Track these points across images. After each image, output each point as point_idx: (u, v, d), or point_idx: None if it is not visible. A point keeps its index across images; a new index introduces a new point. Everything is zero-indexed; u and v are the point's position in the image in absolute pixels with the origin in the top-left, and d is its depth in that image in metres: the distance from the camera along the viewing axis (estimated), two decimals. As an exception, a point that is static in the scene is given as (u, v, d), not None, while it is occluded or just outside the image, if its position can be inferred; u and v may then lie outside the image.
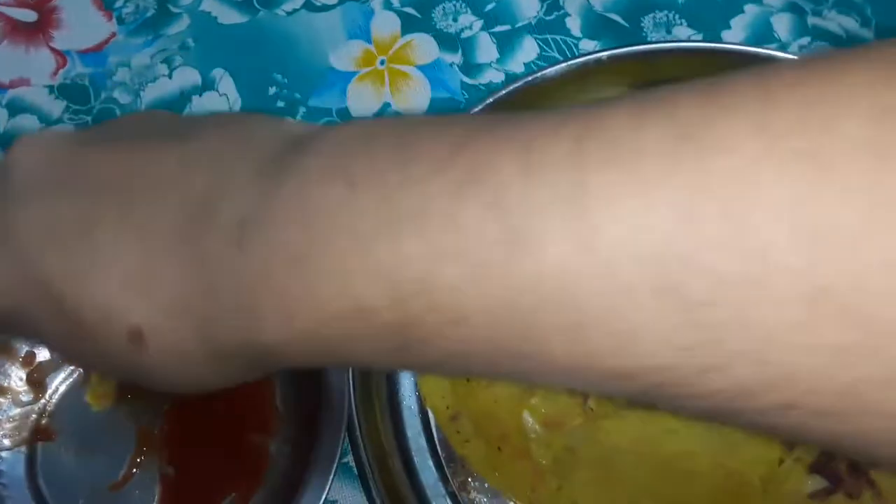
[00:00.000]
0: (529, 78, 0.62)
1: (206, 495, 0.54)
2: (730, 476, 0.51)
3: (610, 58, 0.62)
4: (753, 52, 0.62)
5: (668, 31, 0.68)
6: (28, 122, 0.68)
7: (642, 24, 0.69)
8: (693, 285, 0.20)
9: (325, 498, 0.48)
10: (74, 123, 0.67)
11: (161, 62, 0.69)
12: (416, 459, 0.54)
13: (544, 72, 0.62)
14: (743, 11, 0.69)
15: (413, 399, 0.56)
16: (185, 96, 0.67)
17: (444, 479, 0.54)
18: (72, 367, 0.57)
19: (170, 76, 0.68)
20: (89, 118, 0.67)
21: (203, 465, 0.55)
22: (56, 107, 0.68)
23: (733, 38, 0.68)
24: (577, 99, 0.63)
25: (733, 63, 0.62)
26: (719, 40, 0.67)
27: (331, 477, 0.48)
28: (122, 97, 0.68)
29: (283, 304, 0.25)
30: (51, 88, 0.69)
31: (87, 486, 0.54)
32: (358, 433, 0.51)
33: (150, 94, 0.68)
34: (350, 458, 0.55)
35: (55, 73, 0.70)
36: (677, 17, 0.69)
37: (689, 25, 0.68)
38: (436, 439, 0.55)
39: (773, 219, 0.19)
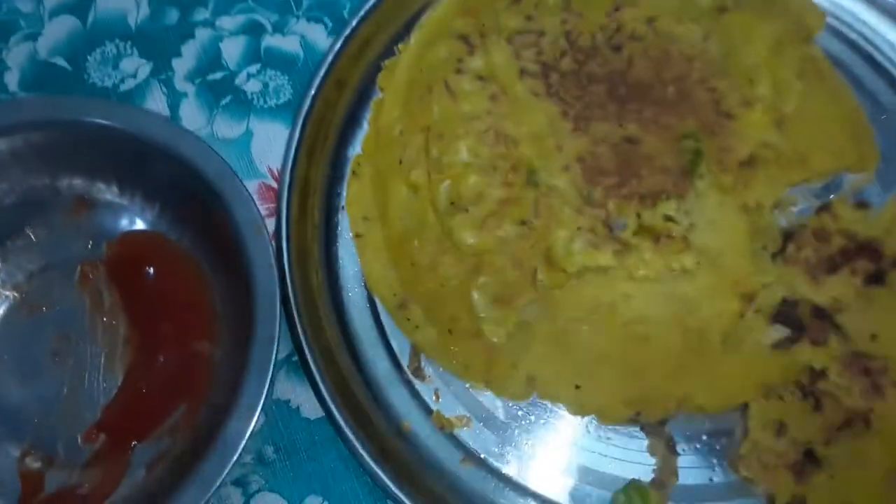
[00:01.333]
0: (452, -65, 0.57)
1: (158, 410, 0.52)
2: (688, 334, 0.49)
3: None
4: None
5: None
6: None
7: None
8: None
9: (266, 398, 0.46)
10: (-25, 40, 0.62)
11: (58, -38, 0.63)
12: (365, 351, 0.52)
13: (467, -74, 0.56)
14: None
15: (358, 290, 0.54)
16: (88, -3, 0.62)
17: (397, 367, 0.52)
18: None
19: (69, -24, 0.63)
20: (-9, 32, 0.62)
21: (154, 380, 0.53)
22: (-46, 23, 0.63)
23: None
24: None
25: None
26: None
27: (268, 378, 0.46)
28: (24, 5, 0.63)
29: None
30: (-54, 4, 0.63)
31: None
32: (299, 329, 0.49)
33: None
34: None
35: (-51, -13, 0.64)
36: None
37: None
38: (386, 330, 0.53)
39: None
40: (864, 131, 0.54)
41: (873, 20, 0.58)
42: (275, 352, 0.47)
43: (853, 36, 0.58)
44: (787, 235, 0.51)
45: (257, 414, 0.44)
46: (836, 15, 0.58)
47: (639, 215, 0.50)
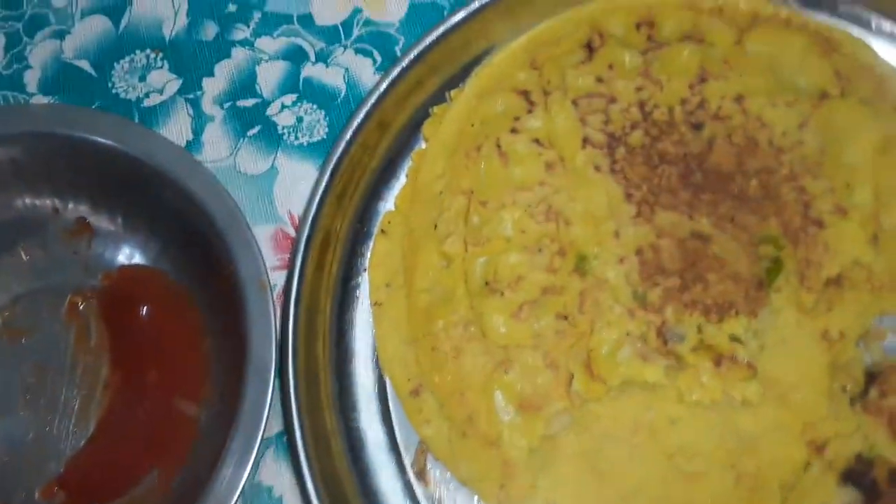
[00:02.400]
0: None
1: (127, 472, 0.47)
2: (742, 479, 0.42)
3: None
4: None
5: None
6: (-51, 26, 0.59)
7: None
8: None
9: (246, 483, 0.40)
10: (3, 31, 0.58)
11: (100, -45, 0.59)
12: (366, 440, 0.46)
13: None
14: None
15: (368, 366, 0.48)
16: (125, -2, 0.58)
17: (399, 464, 0.46)
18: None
19: (109, -28, 0.58)
20: (20, 24, 0.58)
21: (128, 435, 0.48)
22: (-17, 10, 0.59)
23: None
24: (583, 1, 0.52)
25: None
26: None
27: (248, 464, 0.40)
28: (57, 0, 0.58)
29: None
30: (-22, -12, 0.59)
31: None
32: (293, 407, 0.43)
33: (87, -5, 0.58)
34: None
35: (-16, -30, 0.60)
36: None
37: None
38: (393, 419, 0.46)
39: None
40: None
41: None
42: (261, 430, 0.42)
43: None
44: (871, 377, 0.44)
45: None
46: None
47: (700, 329, 0.44)
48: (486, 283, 0.46)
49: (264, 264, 0.45)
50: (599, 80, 0.50)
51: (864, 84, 0.49)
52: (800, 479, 0.42)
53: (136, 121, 0.54)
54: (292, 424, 0.44)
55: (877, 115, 0.48)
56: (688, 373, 0.44)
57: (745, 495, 0.42)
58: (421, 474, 0.45)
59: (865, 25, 0.51)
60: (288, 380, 0.44)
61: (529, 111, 0.50)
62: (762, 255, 0.46)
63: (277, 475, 0.46)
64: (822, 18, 0.50)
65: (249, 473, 0.41)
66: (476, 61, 0.53)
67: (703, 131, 0.48)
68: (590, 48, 0.51)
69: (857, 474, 0.42)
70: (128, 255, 0.51)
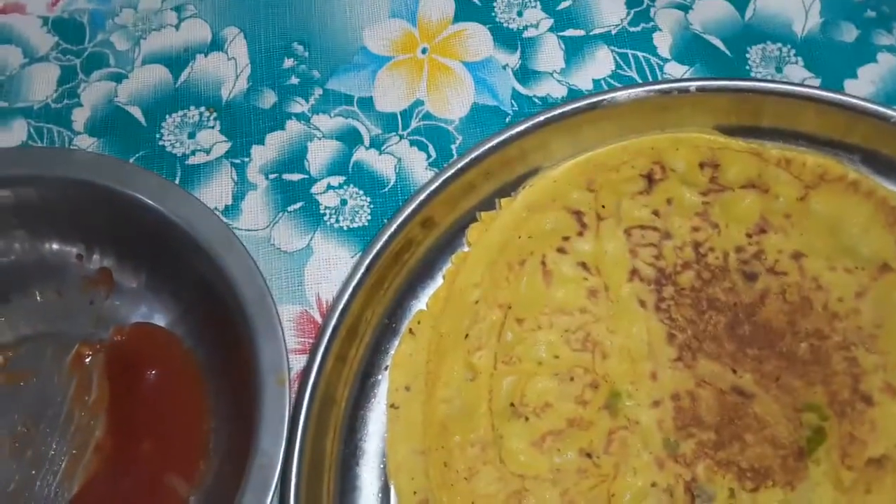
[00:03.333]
0: (596, 99, 0.50)
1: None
2: None
3: (700, 89, 0.50)
4: (881, 112, 0.49)
5: (779, 70, 0.56)
6: (10, 54, 0.59)
7: (748, 56, 0.56)
8: None
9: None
10: (60, 64, 0.58)
11: (171, 9, 0.59)
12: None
13: (615, 94, 0.50)
14: (876, 60, 0.56)
15: (375, 472, 0.45)
16: (189, 53, 0.58)
17: (395, 586, 0.43)
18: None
19: (177, 27, 0.59)
20: (78, 60, 0.58)
21: (112, 500, 0.46)
22: (45, 42, 0.59)
23: (858, 90, 0.55)
24: (647, 132, 0.51)
25: (852, 120, 0.50)
26: (841, 90, 0.55)
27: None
28: (120, 42, 0.59)
29: None
30: (45, 20, 0.60)
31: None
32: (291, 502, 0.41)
33: (151, 44, 0.58)
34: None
35: (55, 4, 0.61)
36: (793, 53, 0.56)
37: (806, 66, 0.56)
38: (394, 532, 0.44)
39: None
40: None
41: None
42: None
43: None
44: (910, 573, 0.41)
45: None
46: None
47: (733, 493, 0.42)
48: (512, 405, 0.45)
49: (287, 358, 0.43)
50: (656, 213, 0.49)
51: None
52: None
53: (179, 176, 0.53)
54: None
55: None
56: (712, 537, 0.41)
57: None
58: None
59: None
60: (290, 477, 0.42)
61: (580, 233, 0.49)
62: (805, 423, 0.44)
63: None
64: (891, 187, 0.49)
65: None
66: (530, 173, 0.52)
67: (757, 283, 0.47)
68: (650, 179, 0.50)
69: None
70: (144, 315, 0.49)
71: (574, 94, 0.55)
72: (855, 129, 0.50)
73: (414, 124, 0.55)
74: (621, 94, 0.50)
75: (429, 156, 0.54)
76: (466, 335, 0.47)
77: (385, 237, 0.48)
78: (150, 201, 0.46)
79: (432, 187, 0.49)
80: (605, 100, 0.50)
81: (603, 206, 0.50)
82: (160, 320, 0.49)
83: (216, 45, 0.58)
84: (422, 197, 0.49)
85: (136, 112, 0.56)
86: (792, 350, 0.45)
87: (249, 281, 0.43)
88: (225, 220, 0.48)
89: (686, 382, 0.45)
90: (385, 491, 0.45)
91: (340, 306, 0.46)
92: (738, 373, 0.45)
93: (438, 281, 0.50)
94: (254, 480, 0.40)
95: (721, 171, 0.50)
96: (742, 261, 0.48)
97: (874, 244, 0.48)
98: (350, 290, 0.46)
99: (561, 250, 0.48)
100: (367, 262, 0.47)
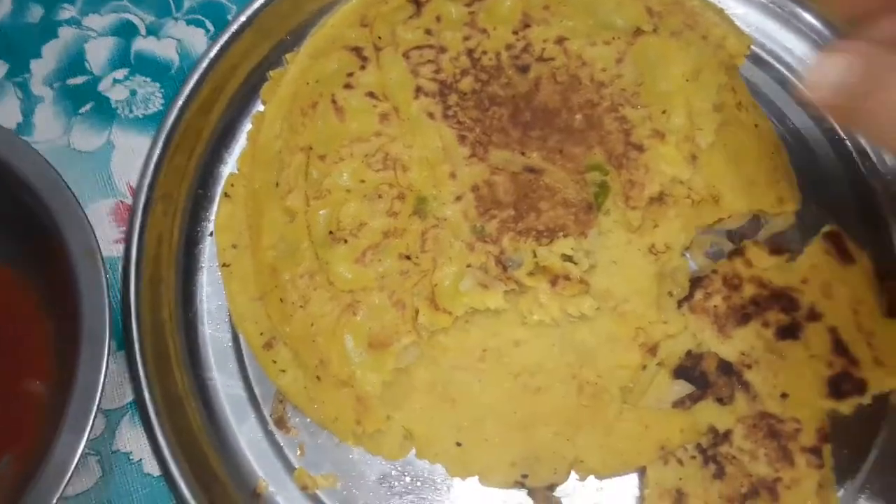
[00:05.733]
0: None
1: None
2: (584, 388, 0.46)
3: None
4: None
5: None
6: None
7: None
8: None
9: (83, 451, 0.41)
10: None
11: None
12: (221, 398, 0.48)
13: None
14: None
15: (222, 327, 0.50)
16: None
17: (259, 417, 0.48)
18: None
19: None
20: None
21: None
22: None
23: None
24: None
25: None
26: None
27: (85, 432, 0.41)
28: None
29: None
30: None
31: None
32: (140, 372, 0.44)
33: None
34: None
35: None
36: None
37: None
38: (250, 374, 0.48)
39: None
40: (784, 171, 0.52)
41: (801, 50, 0.56)
42: (96, 401, 0.43)
43: (779, 66, 0.56)
44: (696, 281, 0.48)
45: (68, 475, 0.40)
46: (762, 44, 0.56)
47: (535, 253, 0.47)
48: (330, 233, 0.49)
49: (94, 234, 0.45)
50: (428, 32, 0.53)
51: (675, 19, 0.54)
52: (637, 381, 0.46)
53: (-39, 107, 0.54)
54: (141, 389, 0.45)
55: (687, 45, 0.53)
56: (527, 296, 0.47)
57: (588, 402, 0.46)
58: (280, 422, 0.47)
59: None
60: (133, 348, 0.46)
61: (363, 67, 0.53)
62: (589, 182, 0.50)
63: (135, 441, 0.47)
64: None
65: (88, 438, 0.42)
66: (309, 25, 0.55)
67: (530, 73, 0.52)
68: (417, 3, 0.54)
69: (688, 369, 0.47)
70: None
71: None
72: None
73: (187, 4, 0.57)
74: (370, -73, 0.53)
75: (207, 31, 0.56)
76: (277, 184, 0.51)
77: (175, 111, 0.50)
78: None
79: (212, 54, 0.52)
80: (355, -65, 0.53)
81: (379, 38, 0.53)
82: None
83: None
84: (204, 65, 0.51)
85: None
86: (569, 123, 0.51)
87: (43, 178, 0.45)
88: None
89: (482, 174, 0.50)
90: (235, 340, 0.49)
91: (146, 185, 0.49)
92: (527, 154, 0.50)
93: (243, 143, 0.53)
94: (86, 353, 0.43)
95: (479, -20, 0.54)
96: (513, 56, 0.53)
97: (627, 14, 0.54)
98: (152, 167, 0.49)
99: (348, 86, 0.52)
100: (161, 138, 0.50)
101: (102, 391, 0.42)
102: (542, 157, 0.50)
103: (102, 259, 0.44)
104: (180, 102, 0.51)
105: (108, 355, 0.43)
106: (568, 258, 0.47)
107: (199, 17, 0.57)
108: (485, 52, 0.53)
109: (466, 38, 0.53)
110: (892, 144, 0.32)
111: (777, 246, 0.50)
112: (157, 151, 0.49)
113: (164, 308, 0.48)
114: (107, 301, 0.44)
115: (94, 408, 0.42)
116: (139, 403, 0.45)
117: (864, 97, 0.31)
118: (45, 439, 0.46)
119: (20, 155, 0.47)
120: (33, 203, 0.46)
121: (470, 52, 0.53)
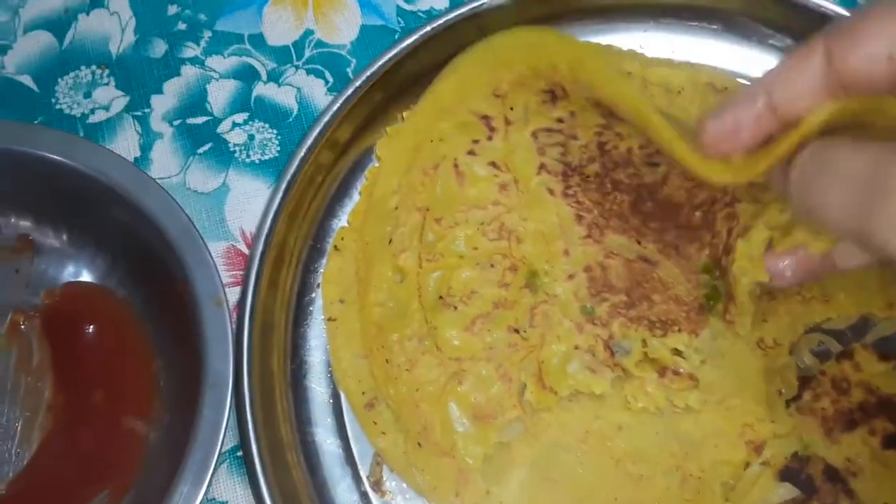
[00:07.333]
0: (476, 3, 0.55)
1: (73, 493, 0.48)
2: (686, 481, 0.47)
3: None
4: None
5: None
6: None
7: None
8: None
9: (204, 498, 0.42)
10: (-63, 43, 0.59)
11: (42, -28, 0.61)
12: (322, 453, 0.48)
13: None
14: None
15: (323, 382, 0.51)
16: (70, 14, 0.60)
17: (355, 476, 0.48)
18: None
19: (53, -11, 0.60)
20: (-45, 38, 0.59)
21: (73, 456, 0.49)
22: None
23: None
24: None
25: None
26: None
27: (207, 476, 0.42)
28: (-3, 13, 0.60)
29: None
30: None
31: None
32: (248, 420, 0.45)
33: (30, 11, 0.60)
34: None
35: (-83, -17, 0.62)
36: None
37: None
38: (349, 432, 0.49)
39: None
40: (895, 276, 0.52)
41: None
42: (219, 444, 0.44)
43: None
44: (804, 381, 0.49)
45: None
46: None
47: (645, 343, 0.48)
48: (440, 298, 0.50)
49: (220, 280, 0.47)
50: (560, 120, 0.53)
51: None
52: (740, 478, 0.47)
53: (82, 136, 0.56)
54: (248, 438, 0.46)
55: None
56: (633, 383, 0.48)
57: (689, 496, 0.46)
58: (377, 485, 0.48)
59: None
60: (243, 394, 0.47)
61: (490, 137, 0.53)
62: (701, 284, 0.50)
63: (231, 490, 0.48)
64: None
65: (206, 489, 0.44)
66: (426, 82, 0.57)
67: (659, 168, 0.52)
68: (553, 96, 0.54)
69: (794, 472, 0.47)
70: (73, 273, 0.53)
71: (455, 4, 0.59)
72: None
73: (308, 53, 0.59)
74: (501, -2, 0.55)
75: (326, 81, 0.58)
76: (390, 240, 0.52)
77: (296, 163, 0.52)
78: (58, 157, 0.49)
79: (334, 108, 0.53)
80: (484, 3, 0.55)
81: (511, 109, 0.53)
82: (89, 276, 0.52)
83: (96, 2, 0.60)
84: (325, 119, 0.53)
85: (27, 80, 0.58)
86: (688, 220, 0.51)
87: (171, 216, 0.47)
88: (137, 170, 0.51)
89: (596, 255, 0.51)
90: (335, 397, 0.51)
91: (265, 233, 0.51)
92: (643, 243, 0.51)
93: (355, 199, 0.55)
94: (209, 399, 0.44)
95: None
96: (646, 154, 0.52)
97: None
98: (271, 216, 0.51)
99: (471, 153, 0.53)
100: (282, 187, 0.51)
101: (224, 438, 0.43)
102: (658, 249, 0.51)
103: (228, 308, 0.46)
104: (301, 154, 0.52)
105: (230, 403, 0.44)
106: (678, 352, 0.48)
107: (319, 66, 0.59)
108: (616, 147, 0.53)
109: (599, 134, 0.53)
110: None
111: (884, 351, 0.51)
112: (277, 202, 0.51)
113: (273, 356, 0.50)
114: (231, 350, 0.45)
115: (215, 458, 0.43)
116: (245, 452, 0.46)
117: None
118: (150, 478, 0.47)
119: (149, 193, 0.48)
120: (161, 245, 0.47)
121: (601, 144, 0.53)
